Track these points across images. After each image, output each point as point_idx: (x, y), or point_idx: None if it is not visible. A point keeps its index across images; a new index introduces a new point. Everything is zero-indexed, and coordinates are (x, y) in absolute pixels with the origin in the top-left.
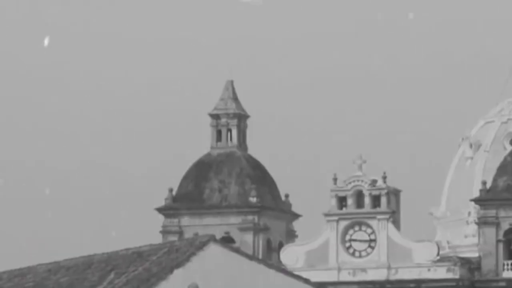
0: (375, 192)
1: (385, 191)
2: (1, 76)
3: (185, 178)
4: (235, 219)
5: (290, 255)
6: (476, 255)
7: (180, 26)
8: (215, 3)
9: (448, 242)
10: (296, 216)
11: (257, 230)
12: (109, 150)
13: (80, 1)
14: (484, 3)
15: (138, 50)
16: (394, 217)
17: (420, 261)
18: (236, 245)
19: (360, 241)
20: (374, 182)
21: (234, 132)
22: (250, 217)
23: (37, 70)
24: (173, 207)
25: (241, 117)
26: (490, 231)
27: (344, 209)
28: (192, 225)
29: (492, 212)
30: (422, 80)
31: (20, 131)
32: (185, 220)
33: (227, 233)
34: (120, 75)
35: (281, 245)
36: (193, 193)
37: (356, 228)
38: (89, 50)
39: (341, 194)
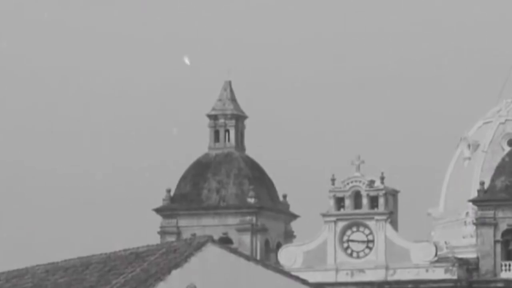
0: (373, 193)
1: (383, 191)
2: (1, 77)
3: (183, 178)
4: (233, 220)
5: (288, 256)
6: (474, 255)
7: (179, 27)
8: (214, 4)
9: (446, 243)
10: (294, 216)
11: (255, 230)
12: (107, 151)
13: (80, 1)
14: (484, 3)
15: (136, 50)
16: (392, 217)
17: (418, 261)
18: (234, 245)
19: (358, 241)
20: (372, 182)
21: (232, 132)
22: (248, 218)
23: (36, 70)
24: (171, 208)
25: (239, 118)
26: (488, 232)
27: (342, 209)
28: (190, 225)
29: (490, 213)
30: (420, 80)
31: (19, 132)
32: (183, 221)
33: (225, 233)
34: (119, 76)
35: (279, 246)
36: (191, 194)
37: (354, 228)
38: (88, 51)
39: (339, 194)
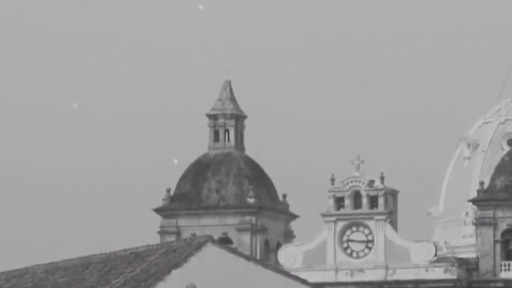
0: (372, 193)
1: (383, 191)
2: (1, 77)
3: (183, 178)
4: (232, 220)
5: (288, 256)
6: (474, 255)
7: (179, 27)
8: (214, 4)
9: (445, 243)
10: (293, 216)
11: (254, 230)
12: (107, 151)
13: (80, 2)
14: (484, 3)
15: (136, 50)
16: (391, 217)
17: (418, 261)
18: (234, 245)
19: (358, 241)
20: (371, 182)
21: (232, 132)
22: (248, 218)
23: (36, 70)
24: (171, 208)
25: (239, 118)
26: (488, 232)
27: (341, 209)
28: (190, 225)
29: (489, 213)
30: (420, 80)
31: (18, 131)
32: (183, 221)
33: (225, 233)
34: (119, 76)
35: (279, 246)
36: (191, 194)
37: (354, 228)
38: (88, 51)
39: (339, 194)
